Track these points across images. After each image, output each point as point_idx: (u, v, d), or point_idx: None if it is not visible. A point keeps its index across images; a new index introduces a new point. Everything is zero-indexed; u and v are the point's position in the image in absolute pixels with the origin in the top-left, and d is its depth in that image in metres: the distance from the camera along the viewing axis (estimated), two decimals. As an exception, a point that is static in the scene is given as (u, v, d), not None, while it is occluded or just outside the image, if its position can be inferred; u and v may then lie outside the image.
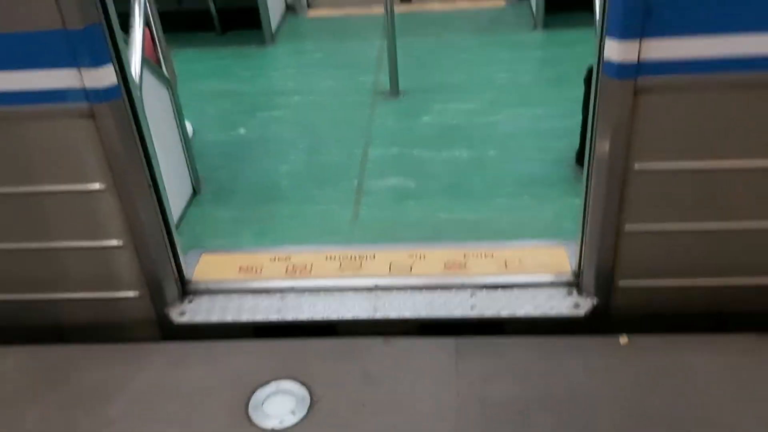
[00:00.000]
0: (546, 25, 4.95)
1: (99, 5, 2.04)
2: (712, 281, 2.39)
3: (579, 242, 2.47)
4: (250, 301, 2.65)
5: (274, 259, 2.82)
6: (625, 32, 1.95)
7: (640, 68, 2.00)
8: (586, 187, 2.35)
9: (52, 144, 2.25)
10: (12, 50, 2.07)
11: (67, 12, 1.99)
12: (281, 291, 2.67)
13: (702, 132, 2.11)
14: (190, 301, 2.65)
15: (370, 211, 3.25)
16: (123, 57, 2.18)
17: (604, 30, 2.02)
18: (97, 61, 2.08)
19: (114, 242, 2.43)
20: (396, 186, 3.43)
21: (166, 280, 2.57)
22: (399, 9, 5.13)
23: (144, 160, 2.33)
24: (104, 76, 2.11)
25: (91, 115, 2.17)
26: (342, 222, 3.18)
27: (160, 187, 2.43)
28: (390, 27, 4.08)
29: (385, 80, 4.32)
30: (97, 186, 2.32)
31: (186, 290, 2.67)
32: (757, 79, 2.00)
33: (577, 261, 2.53)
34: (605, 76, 2.06)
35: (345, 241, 3.02)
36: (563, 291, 2.56)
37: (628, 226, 2.30)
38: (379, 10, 4.51)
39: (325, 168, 3.62)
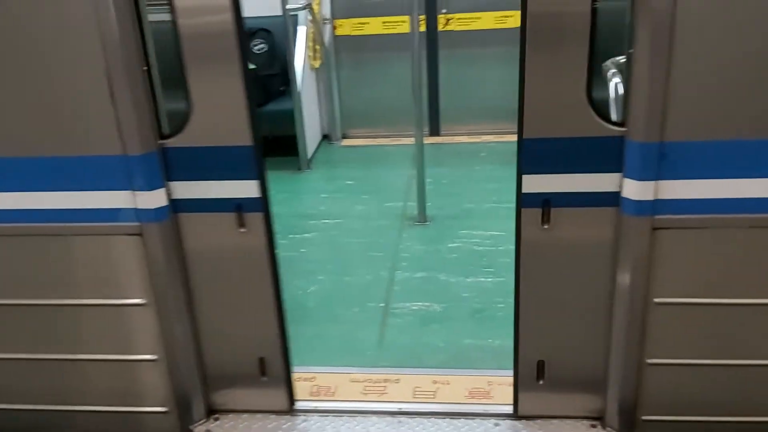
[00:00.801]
0: (567, 159, 5.15)
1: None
2: (734, 419, 2.36)
3: (601, 376, 2.48)
4: (273, 421, 2.66)
5: (300, 379, 2.86)
6: (643, 173, 2.08)
7: (656, 206, 2.11)
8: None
9: (97, 259, 2.37)
10: (73, 172, 2.23)
11: (128, 140, 2.16)
12: (305, 412, 2.69)
13: (719, 268, 2.18)
14: (216, 419, 2.67)
15: (396, 334, 3.30)
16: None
17: (522, 167, 2.15)
18: (151, 186, 2.24)
19: (148, 356, 2.50)
20: (422, 309, 3.49)
21: (194, 398, 2.61)
22: (428, 140, 5.40)
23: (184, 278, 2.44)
24: (156, 199, 2.26)
25: (139, 233, 2.30)
26: (368, 344, 3.22)
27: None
28: (419, 156, 4.31)
29: (413, 206, 4.50)
30: (137, 301, 2.42)
31: (212, 408, 2.70)
32: (768, 220, 2.09)
33: (601, 394, 2.52)
34: (624, 214, 2.16)
35: (370, 362, 3.05)
36: (587, 423, 2.54)
37: (650, 360, 2.32)
38: (409, 140, 4.77)
39: (353, 289, 3.71)
